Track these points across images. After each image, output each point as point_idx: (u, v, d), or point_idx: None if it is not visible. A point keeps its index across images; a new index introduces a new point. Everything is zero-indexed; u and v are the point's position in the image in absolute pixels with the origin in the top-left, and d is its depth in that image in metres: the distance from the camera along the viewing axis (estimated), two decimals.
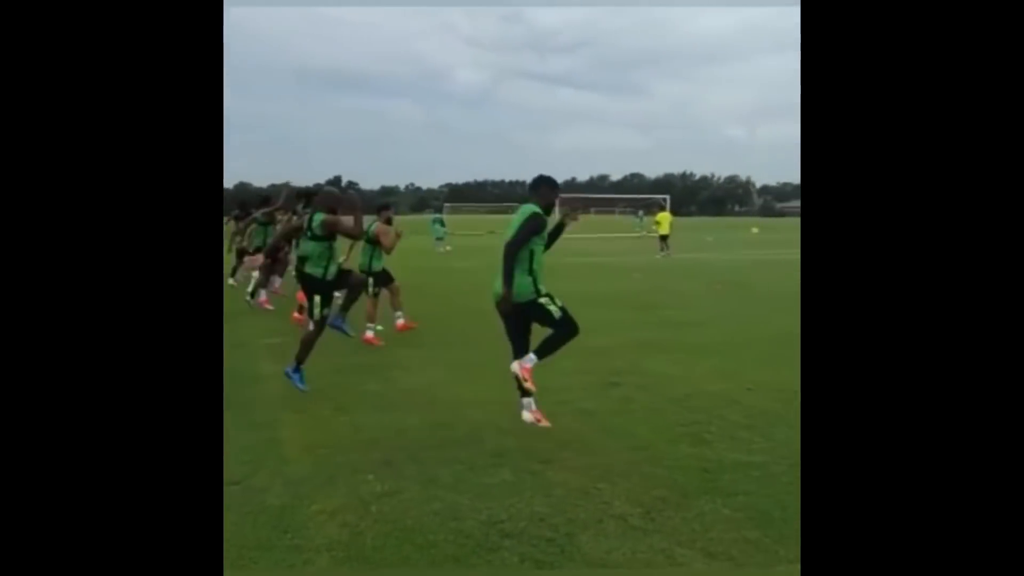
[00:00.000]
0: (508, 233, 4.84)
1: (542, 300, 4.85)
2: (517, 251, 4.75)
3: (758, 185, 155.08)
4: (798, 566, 1.67)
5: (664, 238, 24.91)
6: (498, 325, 5.27)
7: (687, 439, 4.76)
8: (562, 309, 4.87)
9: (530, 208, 4.89)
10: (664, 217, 25.65)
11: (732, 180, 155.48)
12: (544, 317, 4.88)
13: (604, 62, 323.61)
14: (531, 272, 4.83)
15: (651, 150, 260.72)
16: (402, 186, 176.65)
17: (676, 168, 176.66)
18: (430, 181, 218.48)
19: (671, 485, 3.97)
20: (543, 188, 5.00)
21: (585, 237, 31.07)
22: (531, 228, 4.78)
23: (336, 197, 6.36)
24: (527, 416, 5.04)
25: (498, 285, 4.83)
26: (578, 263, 20.10)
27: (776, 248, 29.84)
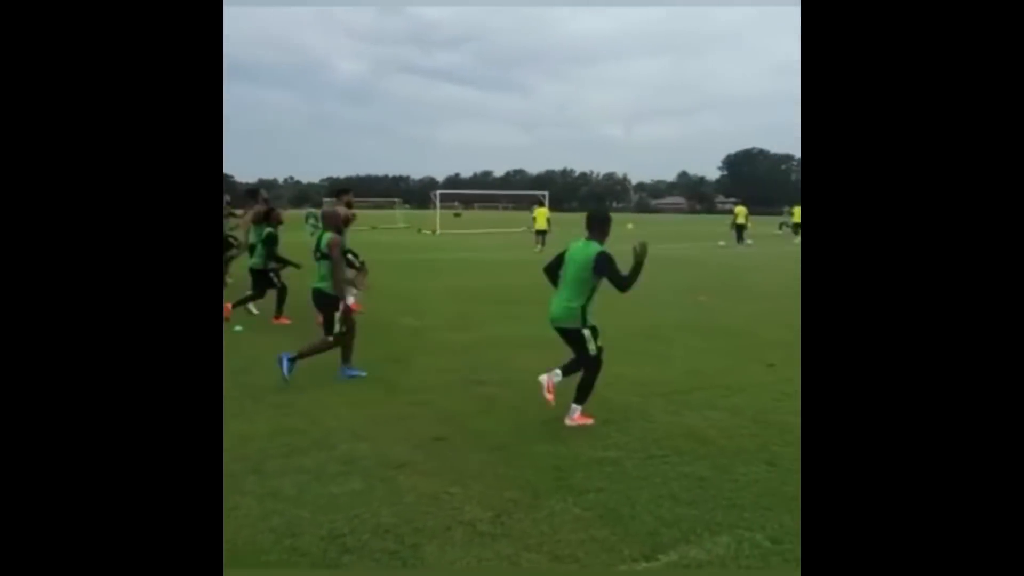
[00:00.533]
0: (571, 270, 5.11)
1: (585, 332, 5.08)
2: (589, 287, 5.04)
3: (634, 182, 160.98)
4: (797, 567, 1.77)
5: (541, 233, 25.15)
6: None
7: (545, 437, 4.72)
8: (599, 348, 5.09)
9: (597, 248, 5.02)
10: (541, 213, 25.91)
11: (610, 177, 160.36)
12: (580, 347, 5.12)
13: (487, 58, 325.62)
14: (588, 303, 5.08)
15: (533, 147, 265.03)
16: (281, 179, 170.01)
17: (557, 165, 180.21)
18: (310, 175, 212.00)
19: (523, 486, 3.89)
20: (607, 227, 5.23)
21: (467, 233, 31.00)
22: (614, 269, 4.99)
23: (340, 216, 6.74)
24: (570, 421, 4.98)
25: (554, 310, 5.18)
26: (456, 259, 19.98)
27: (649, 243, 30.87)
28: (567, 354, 5.22)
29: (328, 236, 6.21)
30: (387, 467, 4.17)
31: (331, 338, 6.23)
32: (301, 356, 6.13)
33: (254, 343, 7.91)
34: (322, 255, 6.22)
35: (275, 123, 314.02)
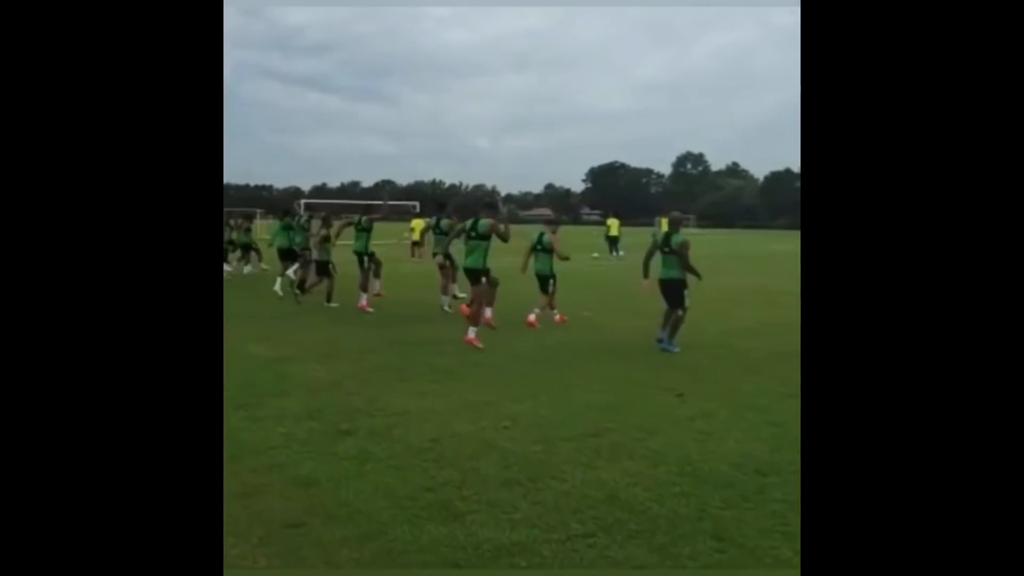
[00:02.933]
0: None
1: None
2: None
3: (503, 194, 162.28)
4: (797, 571, 1.78)
5: (416, 244, 24.29)
6: None
7: (434, 513, 3.67)
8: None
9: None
10: (417, 223, 25.06)
11: (480, 188, 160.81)
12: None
13: (353, 67, 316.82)
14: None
15: (401, 157, 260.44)
16: None
17: (426, 176, 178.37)
18: None
19: None
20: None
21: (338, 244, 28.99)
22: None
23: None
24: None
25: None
26: None
27: (518, 255, 30.48)
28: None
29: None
30: None
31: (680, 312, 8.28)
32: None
33: None
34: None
35: None
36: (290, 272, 13.39)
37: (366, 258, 11.91)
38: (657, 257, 8.56)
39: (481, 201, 11.44)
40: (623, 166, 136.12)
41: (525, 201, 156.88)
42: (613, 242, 27.52)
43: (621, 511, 3.69)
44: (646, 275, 8.57)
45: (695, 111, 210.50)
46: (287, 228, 14.04)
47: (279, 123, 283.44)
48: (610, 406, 5.76)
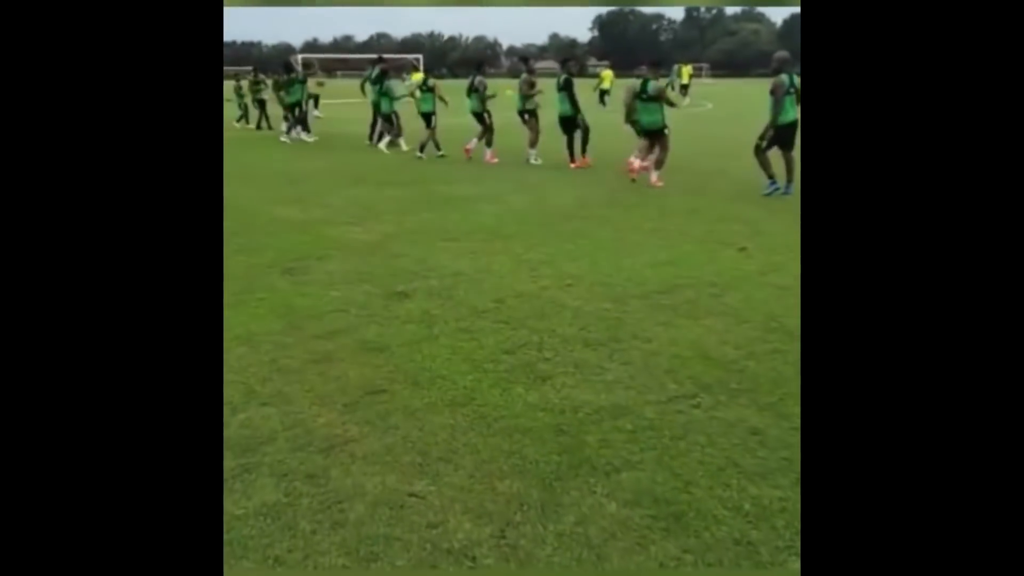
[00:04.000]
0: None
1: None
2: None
3: (505, 46, 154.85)
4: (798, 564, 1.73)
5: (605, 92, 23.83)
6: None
7: (520, 376, 3.49)
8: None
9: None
10: (417, 77, 23.95)
11: (480, 40, 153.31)
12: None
13: None
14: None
15: (395, 9, 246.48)
16: None
17: (423, 28, 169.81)
18: None
19: (521, 467, 2.68)
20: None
21: (338, 103, 27.88)
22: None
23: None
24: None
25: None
26: (332, 133, 17.65)
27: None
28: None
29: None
30: (310, 451, 2.82)
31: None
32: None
33: None
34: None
35: None
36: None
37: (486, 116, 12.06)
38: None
39: (481, 57, 11.55)
40: (632, 12, 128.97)
41: (528, 53, 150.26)
42: (603, 95, 26.54)
43: (717, 370, 3.50)
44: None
45: None
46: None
47: None
48: (673, 262, 5.49)
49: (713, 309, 4.40)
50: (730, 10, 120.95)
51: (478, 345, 3.88)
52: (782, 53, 8.52)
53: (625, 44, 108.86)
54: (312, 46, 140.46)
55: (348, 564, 2.21)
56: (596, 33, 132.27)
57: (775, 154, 8.38)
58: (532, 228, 6.77)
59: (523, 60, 13.03)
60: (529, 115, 11.47)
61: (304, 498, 2.52)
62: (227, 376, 3.53)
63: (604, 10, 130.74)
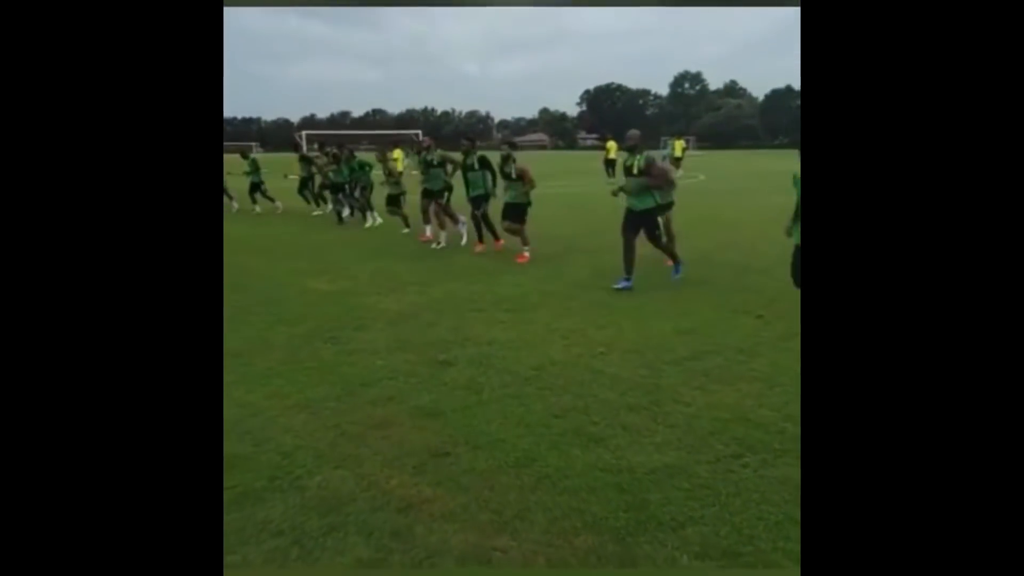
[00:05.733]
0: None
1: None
2: None
3: (496, 120, 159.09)
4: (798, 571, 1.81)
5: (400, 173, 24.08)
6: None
7: (573, 439, 3.70)
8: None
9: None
10: (399, 154, 24.68)
11: (473, 115, 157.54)
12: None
13: None
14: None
15: (390, 85, 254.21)
16: None
17: (417, 103, 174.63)
18: None
19: (592, 525, 2.88)
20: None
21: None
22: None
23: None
24: None
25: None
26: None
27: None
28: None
29: (646, 158, 7.50)
30: (390, 511, 3.02)
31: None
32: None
33: None
34: (639, 172, 7.40)
35: None
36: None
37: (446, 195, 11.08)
38: (626, 185, 7.52)
39: (474, 130, 11.02)
40: (620, 87, 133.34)
41: (519, 127, 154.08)
42: (610, 165, 27.38)
43: (758, 431, 3.73)
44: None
45: (690, 27, 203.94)
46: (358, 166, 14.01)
47: (261, 50, 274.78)
48: (696, 330, 5.76)
49: (743, 374, 4.65)
50: (714, 85, 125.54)
51: (528, 410, 4.10)
52: (634, 132, 7.74)
53: (613, 118, 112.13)
54: (310, 122, 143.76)
55: (553, 570, 2.38)
56: (584, 107, 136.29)
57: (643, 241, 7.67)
58: (555, 299, 7.06)
59: (470, 140, 10.33)
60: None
61: (395, 554, 2.71)
62: (295, 440, 3.74)
63: (592, 85, 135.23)
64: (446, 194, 11.00)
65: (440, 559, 2.65)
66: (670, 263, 8.05)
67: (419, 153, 11.46)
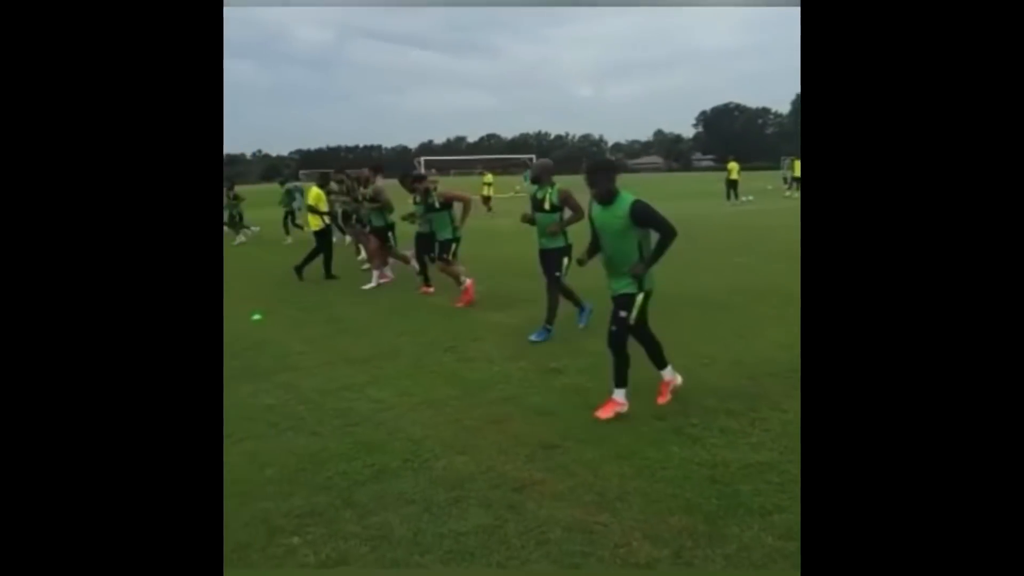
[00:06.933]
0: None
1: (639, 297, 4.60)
2: None
3: (610, 143, 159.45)
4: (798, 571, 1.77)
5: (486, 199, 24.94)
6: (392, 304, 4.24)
7: (672, 437, 4.02)
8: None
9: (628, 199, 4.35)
10: (488, 178, 25.72)
11: (586, 138, 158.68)
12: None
13: (450, 23, 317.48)
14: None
15: (505, 110, 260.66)
16: (248, 153, 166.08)
17: (531, 128, 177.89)
18: (279, 147, 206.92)
19: (687, 507, 3.19)
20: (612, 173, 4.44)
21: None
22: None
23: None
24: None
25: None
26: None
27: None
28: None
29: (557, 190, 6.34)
30: (505, 489, 3.46)
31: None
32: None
33: (270, 335, 7.11)
34: (552, 207, 6.32)
35: (236, 95, 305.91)
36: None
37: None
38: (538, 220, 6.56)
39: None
40: (738, 107, 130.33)
41: (633, 149, 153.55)
42: (733, 186, 26.78)
43: None
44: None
45: None
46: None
47: (384, 83, 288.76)
48: (794, 345, 5.88)
49: None
50: None
51: (631, 412, 4.44)
52: (544, 161, 7.05)
53: (731, 137, 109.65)
54: (427, 148, 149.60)
55: (551, 570, 2.78)
56: (700, 128, 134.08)
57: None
58: (664, 315, 7.32)
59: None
60: None
61: (510, 523, 3.14)
62: (422, 431, 4.26)
63: (709, 106, 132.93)
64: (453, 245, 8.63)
65: (549, 528, 3.06)
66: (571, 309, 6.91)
67: (413, 191, 9.00)
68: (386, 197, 9.80)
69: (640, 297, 4.40)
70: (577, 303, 6.89)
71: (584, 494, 3.37)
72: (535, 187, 6.53)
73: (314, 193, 10.67)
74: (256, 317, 8.00)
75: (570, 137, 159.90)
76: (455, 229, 8.41)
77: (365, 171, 10.88)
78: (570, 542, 2.95)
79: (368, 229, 10.20)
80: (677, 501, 3.26)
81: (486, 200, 24.62)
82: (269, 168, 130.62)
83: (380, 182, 10.05)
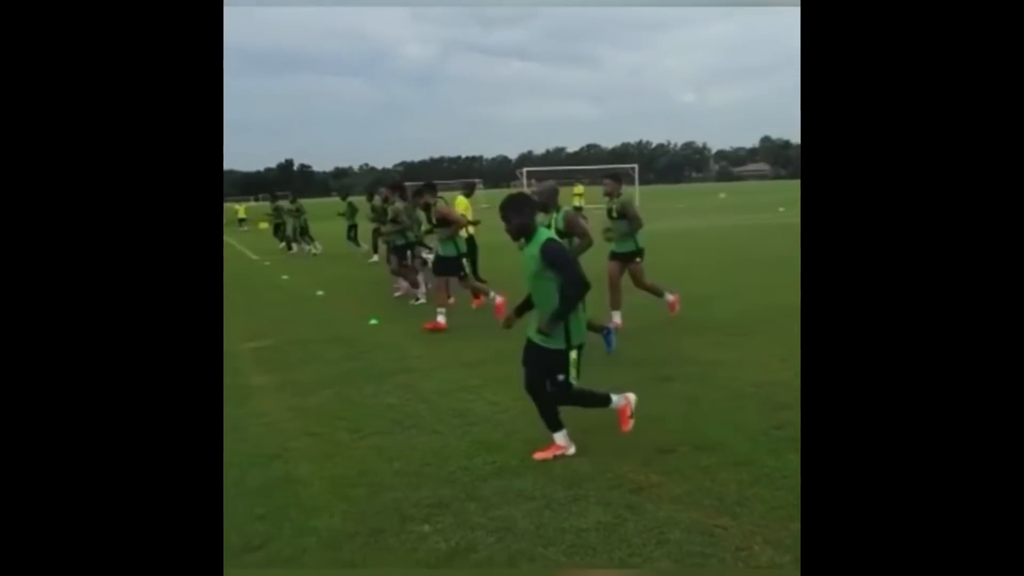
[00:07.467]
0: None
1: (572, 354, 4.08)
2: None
3: (713, 150, 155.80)
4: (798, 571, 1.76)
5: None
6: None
7: (790, 446, 3.98)
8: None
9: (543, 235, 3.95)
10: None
11: (689, 146, 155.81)
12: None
13: (551, 33, 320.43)
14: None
15: (605, 120, 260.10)
16: (356, 166, 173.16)
17: (632, 137, 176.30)
18: (384, 160, 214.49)
19: None
20: (525, 208, 4.04)
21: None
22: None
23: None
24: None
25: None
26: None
27: (751, 212, 29.50)
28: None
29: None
30: (623, 490, 3.54)
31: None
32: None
33: (387, 339, 7.47)
34: (560, 233, 5.87)
35: (345, 111, 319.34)
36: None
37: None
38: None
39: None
40: None
41: (738, 156, 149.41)
42: None
43: None
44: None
45: None
46: None
47: (485, 94, 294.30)
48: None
49: None
50: None
51: (746, 421, 4.43)
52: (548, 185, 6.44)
53: None
54: (527, 158, 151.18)
55: (671, 568, 2.84)
56: None
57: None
58: (774, 325, 7.20)
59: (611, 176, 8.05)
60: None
61: (629, 522, 3.22)
62: (537, 432, 4.40)
63: None
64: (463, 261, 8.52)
65: (669, 529, 3.12)
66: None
67: (427, 208, 8.76)
68: (404, 218, 9.62)
69: (573, 354, 3.96)
70: (598, 329, 6.20)
71: (702, 498, 3.41)
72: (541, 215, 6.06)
73: (462, 203, 10.85)
74: (373, 322, 8.42)
75: (672, 145, 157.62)
76: (457, 246, 8.23)
77: (383, 190, 10.71)
78: (690, 543, 3.00)
79: (390, 247, 10.11)
80: (797, 509, 3.24)
81: (578, 211, 24.64)
82: (375, 180, 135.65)
83: (400, 203, 9.82)
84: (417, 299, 9.76)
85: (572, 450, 4.03)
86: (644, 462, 3.88)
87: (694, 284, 10.22)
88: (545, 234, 3.91)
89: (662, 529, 3.13)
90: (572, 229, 5.91)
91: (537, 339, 3.94)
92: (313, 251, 18.70)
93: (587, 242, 6.05)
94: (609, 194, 7.52)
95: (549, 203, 6.02)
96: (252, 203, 19.01)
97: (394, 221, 9.76)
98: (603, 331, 6.20)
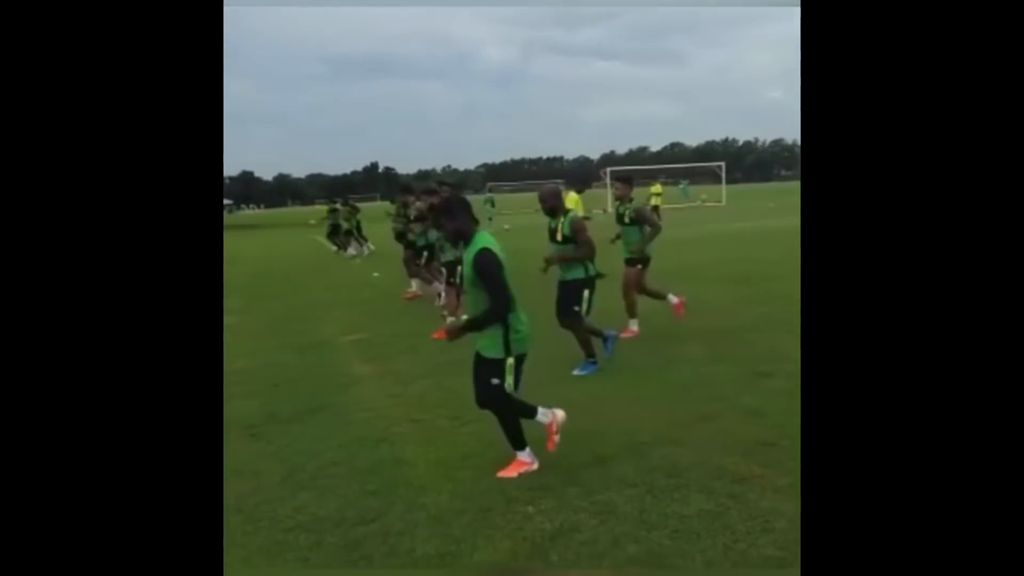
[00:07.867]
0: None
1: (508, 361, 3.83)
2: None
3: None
4: (798, 571, 1.78)
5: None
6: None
7: None
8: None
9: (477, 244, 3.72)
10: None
11: (778, 143, 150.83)
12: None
13: (633, 31, 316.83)
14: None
15: (689, 118, 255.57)
16: (439, 168, 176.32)
17: (717, 135, 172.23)
18: (466, 162, 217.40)
19: None
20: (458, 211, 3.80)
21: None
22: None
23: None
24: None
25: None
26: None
27: None
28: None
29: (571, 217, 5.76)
30: (725, 480, 3.56)
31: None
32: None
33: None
34: (564, 239, 5.74)
35: (429, 113, 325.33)
36: None
37: None
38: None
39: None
40: None
41: None
42: None
43: None
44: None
45: None
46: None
47: (567, 95, 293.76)
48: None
49: None
50: None
51: None
52: (552, 186, 6.30)
53: None
54: (609, 158, 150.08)
55: (781, 557, 2.85)
56: None
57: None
58: None
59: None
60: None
61: (732, 510, 3.24)
62: (634, 423, 4.45)
63: None
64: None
65: (774, 518, 3.12)
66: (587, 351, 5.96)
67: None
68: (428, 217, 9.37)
69: (510, 361, 3.74)
70: (598, 334, 6.11)
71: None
72: (549, 219, 5.89)
73: (573, 199, 11.06)
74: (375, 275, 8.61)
75: (760, 143, 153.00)
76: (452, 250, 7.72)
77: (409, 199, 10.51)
78: (796, 532, 3.00)
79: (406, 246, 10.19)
80: None
81: (655, 210, 24.40)
82: (458, 181, 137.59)
83: (421, 203, 9.59)
84: (438, 298, 9.48)
85: (536, 465, 3.85)
86: (745, 454, 3.88)
87: (788, 283, 9.98)
88: (482, 241, 3.71)
89: (767, 518, 3.14)
90: (577, 234, 5.67)
91: (479, 346, 3.82)
92: (364, 253, 19.23)
93: (584, 251, 5.69)
94: (620, 198, 7.15)
95: (558, 207, 5.82)
96: (339, 205, 19.47)
97: (419, 220, 9.74)
98: (602, 337, 6.10)
